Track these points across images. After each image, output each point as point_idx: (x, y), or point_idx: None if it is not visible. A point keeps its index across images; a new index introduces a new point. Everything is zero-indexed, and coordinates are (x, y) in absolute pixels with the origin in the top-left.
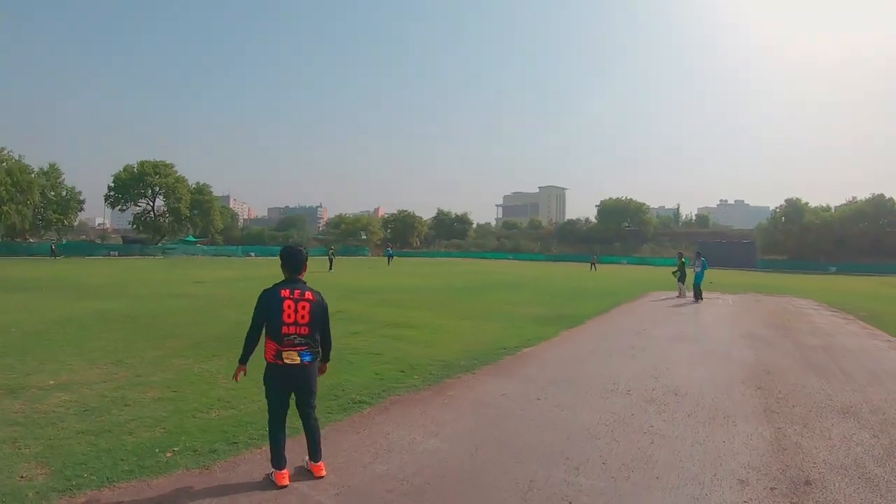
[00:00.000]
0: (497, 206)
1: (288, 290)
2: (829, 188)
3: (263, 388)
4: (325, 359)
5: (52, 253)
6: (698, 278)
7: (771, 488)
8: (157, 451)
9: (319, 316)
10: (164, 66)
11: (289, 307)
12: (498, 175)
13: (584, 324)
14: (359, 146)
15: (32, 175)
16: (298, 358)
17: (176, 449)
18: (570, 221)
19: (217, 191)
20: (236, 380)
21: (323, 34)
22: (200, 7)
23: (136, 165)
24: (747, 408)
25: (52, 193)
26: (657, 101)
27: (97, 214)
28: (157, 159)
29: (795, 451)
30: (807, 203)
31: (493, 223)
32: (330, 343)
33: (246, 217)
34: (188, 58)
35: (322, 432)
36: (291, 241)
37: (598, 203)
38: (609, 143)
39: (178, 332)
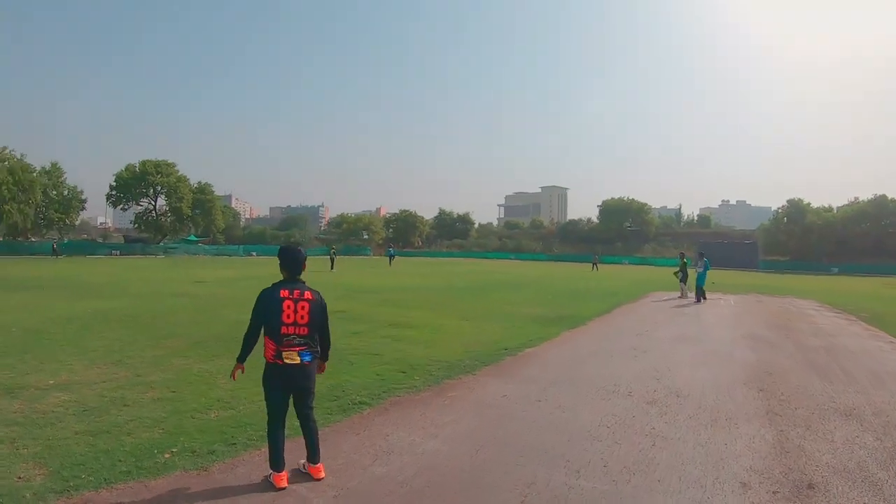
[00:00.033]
0: (499, 205)
1: (287, 291)
2: (830, 188)
3: (262, 389)
4: (324, 357)
5: (54, 252)
6: (701, 279)
7: (773, 492)
8: (155, 451)
9: (319, 315)
10: (165, 66)
11: (288, 307)
12: (499, 175)
13: (585, 324)
14: (360, 146)
15: (34, 174)
16: (298, 358)
17: (174, 450)
18: (572, 221)
19: (219, 190)
20: (233, 378)
21: (323, 34)
22: (200, 7)
23: (137, 165)
24: (749, 410)
25: (54, 192)
26: (657, 101)
27: (99, 214)
28: (159, 159)
29: (798, 454)
30: (809, 203)
31: (495, 223)
32: (329, 342)
33: (248, 216)
34: (188, 58)
35: (321, 433)
36: (290, 241)
37: (599, 203)
38: (609, 143)
39: (178, 332)
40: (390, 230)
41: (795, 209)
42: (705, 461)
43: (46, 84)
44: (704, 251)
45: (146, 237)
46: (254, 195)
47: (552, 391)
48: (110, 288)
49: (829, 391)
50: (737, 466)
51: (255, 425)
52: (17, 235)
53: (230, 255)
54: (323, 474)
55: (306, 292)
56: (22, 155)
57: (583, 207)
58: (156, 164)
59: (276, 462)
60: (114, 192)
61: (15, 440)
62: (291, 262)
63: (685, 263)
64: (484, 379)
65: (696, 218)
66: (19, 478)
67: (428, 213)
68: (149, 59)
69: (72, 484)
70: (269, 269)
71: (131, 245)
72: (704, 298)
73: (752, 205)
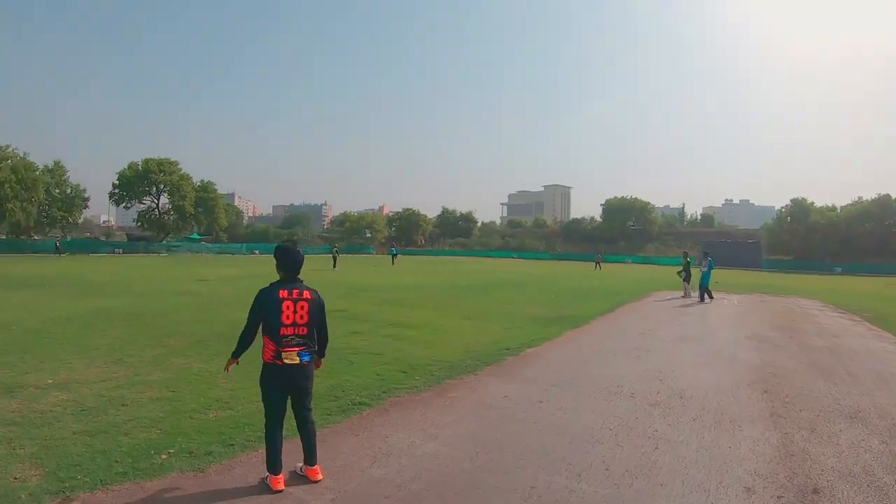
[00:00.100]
0: (502, 204)
1: (286, 291)
2: (830, 188)
3: (260, 389)
4: (321, 354)
5: (57, 250)
6: (705, 278)
7: (778, 497)
8: (152, 452)
9: (317, 314)
10: (166, 65)
11: (287, 308)
12: (502, 174)
13: (588, 324)
14: (362, 145)
15: (37, 172)
16: (298, 358)
17: (171, 451)
18: (575, 220)
19: (222, 189)
20: (227, 370)
21: (323, 34)
22: (200, 7)
23: (140, 163)
24: (753, 412)
25: (57, 191)
26: (657, 101)
27: (102, 212)
28: (161, 157)
29: (803, 457)
30: (812, 203)
31: (498, 222)
32: (327, 339)
33: (251, 215)
34: (189, 57)
35: (320, 435)
36: (287, 240)
37: (602, 202)
38: (612, 142)
39: (180, 331)
40: (393, 229)
41: (799, 209)
42: (709, 465)
43: (48, 83)
44: (708, 250)
45: (149, 235)
46: (257, 193)
47: (554, 392)
48: (113, 286)
49: (833, 393)
50: (741, 470)
51: (254, 426)
52: (20, 234)
53: (233, 254)
54: (320, 476)
55: (305, 292)
56: (25, 153)
57: (586, 206)
58: (158, 162)
59: (274, 464)
60: (117, 191)
61: (12, 440)
62: (290, 262)
63: (688, 262)
64: (485, 379)
65: (699, 217)
66: (15, 478)
67: (431, 212)
68: (150, 59)
69: (67, 485)
70: (271, 268)
71: (134, 243)
72: (711, 298)
73: (756, 204)
